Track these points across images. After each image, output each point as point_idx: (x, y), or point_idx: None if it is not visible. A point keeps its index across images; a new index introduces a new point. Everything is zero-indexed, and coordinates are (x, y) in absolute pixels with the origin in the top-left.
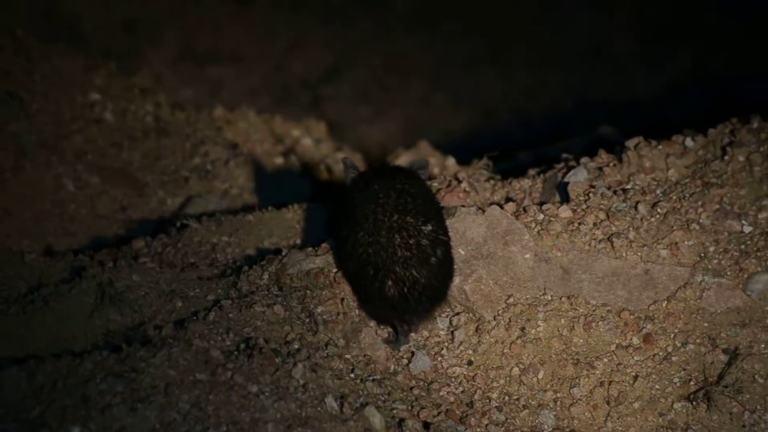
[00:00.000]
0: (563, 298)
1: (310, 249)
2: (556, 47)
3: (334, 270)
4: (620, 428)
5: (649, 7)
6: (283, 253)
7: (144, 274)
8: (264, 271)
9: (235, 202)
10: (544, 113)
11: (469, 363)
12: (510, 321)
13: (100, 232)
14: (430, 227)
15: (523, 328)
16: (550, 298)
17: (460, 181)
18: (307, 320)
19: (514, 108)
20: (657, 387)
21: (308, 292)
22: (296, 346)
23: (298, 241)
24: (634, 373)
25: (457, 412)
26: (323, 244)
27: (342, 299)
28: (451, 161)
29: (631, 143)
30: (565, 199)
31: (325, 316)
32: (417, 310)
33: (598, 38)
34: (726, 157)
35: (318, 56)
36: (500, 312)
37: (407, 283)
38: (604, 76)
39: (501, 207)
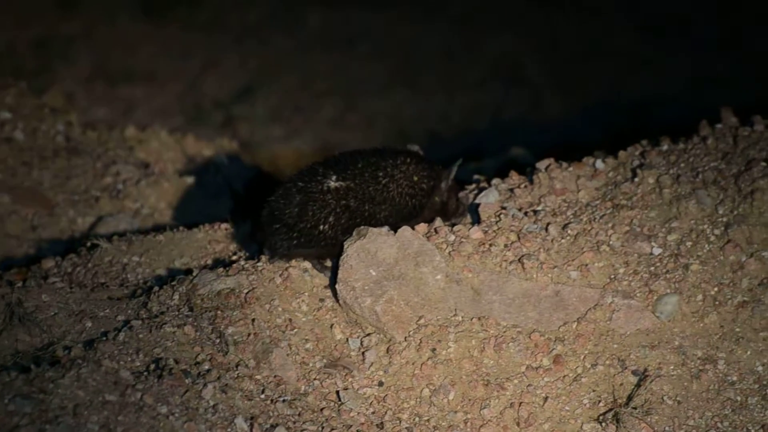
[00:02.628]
0: (474, 320)
1: (221, 269)
2: (470, 69)
3: (246, 290)
4: None
5: (562, 29)
6: (194, 274)
7: (54, 294)
8: (174, 292)
9: (146, 222)
10: (458, 135)
11: (380, 384)
12: (421, 342)
13: (10, 252)
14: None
15: (434, 349)
16: (461, 319)
17: None
18: (218, 341)
19: (428, 129)
20: (567, 408)
21: (219, 312)
22: (206, 367)
23: (210, 262)
24: (544, 395)
25: None
26: (234, 264)
27: (253, 320)
28: None
29: (542, 165)
30: (477, 220)
31: (235, 337)
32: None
33: (511, 60)
34: (636, 179)
35: (232, 76)
36: (411, 333)
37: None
38: (517, 98)
39: (412, 228)
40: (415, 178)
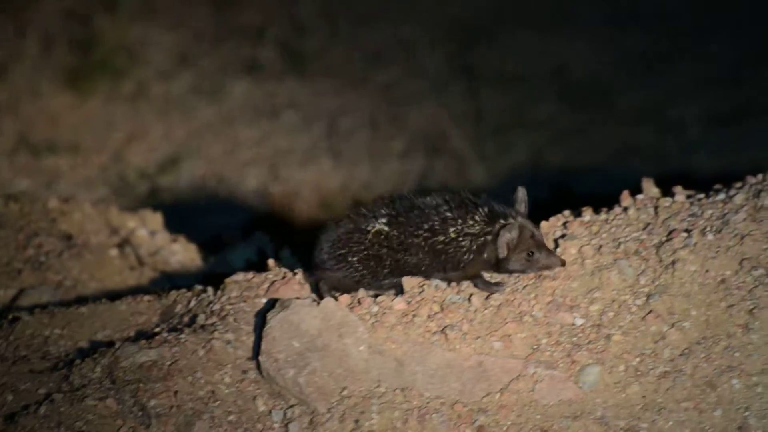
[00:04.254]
0: (397, 391)
1: (144, 341)
2: (394, 138)
3: (168, 362)
4: None
5: (486, 99)
6: (117, 346)
7: None
8: (96, 364)
9: (68, 294)
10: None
11: None
12: (344, 413)
13: None
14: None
15: (357, 421)
16: (384, 390)
17: (295, 273)
18: (140, 413)
19: (354, 199)
20: None
21: (141, 385)
22: None
23: (132, 334)
24: None
25: None
26: (157, 336)
27: (175, 392)
28: (286, 253)
29: None
30: (400, 291)
31: (158, 409)
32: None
33: (435, 130)
34: (558, 250)
35: (156, 146)
36: (335, 404)
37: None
38: (441, 167)
39: (335, 299)
40: (453, 235)
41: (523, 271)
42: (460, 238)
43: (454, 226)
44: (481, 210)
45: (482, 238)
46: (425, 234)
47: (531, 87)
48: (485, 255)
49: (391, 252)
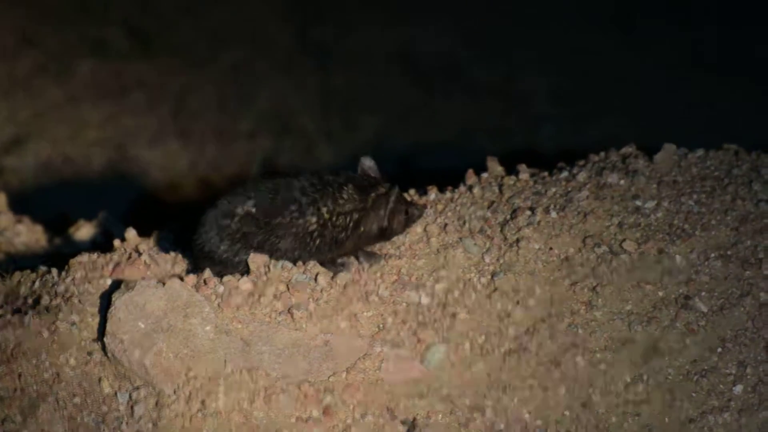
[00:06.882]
0: (244, 371)
1: None
2: (241, 119)
3: (12, 345)
4: None
5: (333, 79)
6: None
7: None
8: None
9: None
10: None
11: None
12: (190, 394)
13: None
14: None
15: (203, 402)
16: (230, 370)
17: (140, 254)
18: None
19: (201, 179)
20: None
21: None
22: None
23: None
24: None
25: None
26: (0, 319)
27: (19, 374)
28: (132, 233)
29: None
30: (246, 271)
31: (1, 392)
32: None
33: (285, 110)
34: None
35: (0, 127)
36: (180, 386)
37: None
38: (289, 146)
39: (181, 279)
40: (326, 216)
41: (401, 233)
42: (334, 218)
43: (327, 205)
44: (347, 188)
45: (357, 214)
46: (294, 215)
47: (377, 65)
48: (362, 228)
49: (258, 233)
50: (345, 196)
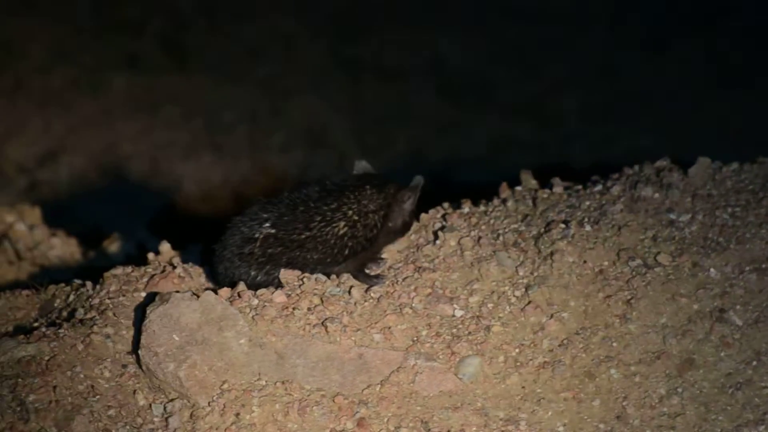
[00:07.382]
0: (278, 383)
1: (22, 336)
2: (275, 133)
3: (47, 357)
4: None
5: (365, 94)
6: None
7: None
8: None
9: None
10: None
11: None
12: (225, 407)
13: None
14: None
15: (237, 414)
16: (264, 383)
17: (174, 267)
18: (19, 409)
19: (235, 192)
20: None
21: (20, 380)
22: None
23: (10, 329)
24: None
25: None
26: (35, 331)
27: (54, 387)
28: (166, 246)
29: None
30: (280, 284)
31: (36, 404)
32: None
33: (317, 123)
34: (438, 242)
35: (35, 141)
36: (215, 398)
37: None
38: (323, 160)
39: (215, 293)
40: (355, 217)
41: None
42: (363, 218)
43: (352, 209)
44: (364, 189)
45: (383, 211)
46: (321, 225)
47: (410, 80)
48: (390, 224)
49: (285, 251)
50: (366, 196)
